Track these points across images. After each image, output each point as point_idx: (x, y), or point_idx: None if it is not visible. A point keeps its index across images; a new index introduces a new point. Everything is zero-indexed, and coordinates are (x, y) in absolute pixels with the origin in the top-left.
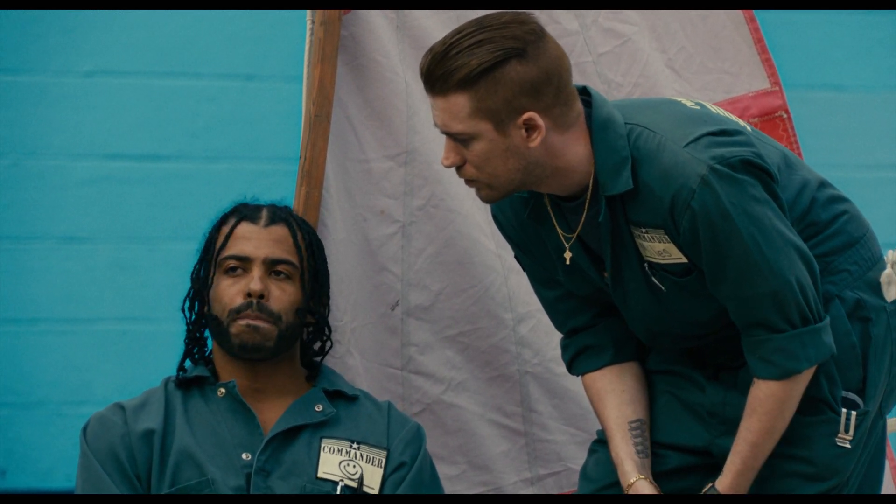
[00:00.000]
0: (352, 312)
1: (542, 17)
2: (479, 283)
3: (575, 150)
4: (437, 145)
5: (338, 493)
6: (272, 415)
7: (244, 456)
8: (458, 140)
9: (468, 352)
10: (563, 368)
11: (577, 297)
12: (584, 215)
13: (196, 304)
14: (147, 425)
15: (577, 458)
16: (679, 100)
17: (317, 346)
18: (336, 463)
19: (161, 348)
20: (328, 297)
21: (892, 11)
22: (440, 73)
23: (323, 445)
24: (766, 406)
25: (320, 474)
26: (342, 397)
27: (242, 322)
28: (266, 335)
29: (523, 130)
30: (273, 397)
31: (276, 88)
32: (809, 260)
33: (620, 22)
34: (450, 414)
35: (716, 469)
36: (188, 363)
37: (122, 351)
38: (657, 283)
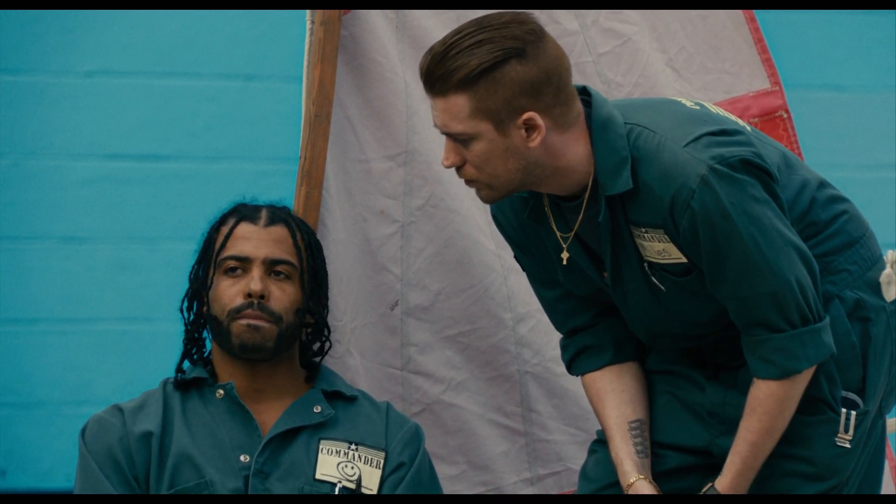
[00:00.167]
0: (352, 312)
1: (542, 17)
2: (478, 283)
3: (575, 149)
4: (436, 145)
5: (335, 494)
6: (270, 416)
7: (242, 458)
8: (458, 140)
9: (468, 352)
10: (562, 368)
11: (577, 298)
12: (581, 215)
13: (195, 304)
14: (145, 427)
15: (577, 458)
16: (679, 100)
17: (316, 346)
18: (334, 464)
19: (161, 348)
20: (327, 298)
21: (892, 11)
22: (440, 73)
23: (321, 447)
24: (766, 406)
25: (318, 476)
26: (341, 398)
27: (243, 322)
28: (266, 335)
29: (523, 130)
30: (272, 398)
31: (276, 88)
32: (809, 260)
33: (620, 22)
34: (449, 414)
35: (716, 469)
36: (187, 364)
37: (121, 351)
38: (657, 282)
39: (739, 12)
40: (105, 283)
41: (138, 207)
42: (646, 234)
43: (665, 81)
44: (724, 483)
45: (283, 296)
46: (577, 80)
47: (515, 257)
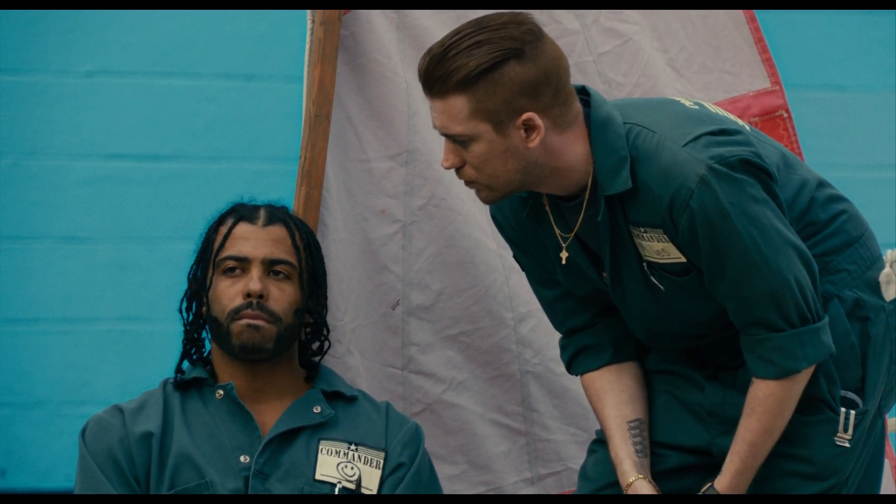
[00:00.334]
0: (352, 312)
1: (542, 16)
2: (479, 283)
3: (574, 149)
4: (437, 145)
5: (336, 494)
6: (270, 416)
7: (242, 458)
8: (458, 141)
9: (469, 351)
10: (563, 368)
11: (576, 297)
12: (581, 215)
13: (194, 304)
14: (146, 428)
15: (578, 457)
16: (678, 99)
17: (315, 346)
18: (334, 465)
19: (161, 348)
20: (326, 297)
21: (892, 11)
22: (438, 74)
23: (321, 447)
24: (765, 405)
25: (318, 476)
26: (340, 398)
27: (242, 322)
28: (266, 336)
29: (522, 131)
30: (272, 398)
31: (276, 88)
32: (808, 259)
33: (621, 21)
34: (450, 414)
35: (715, 469)
36: (186, 364)
37: (121, 351)
38: (656, 282)
39: (740, 12)
40: (105, 282)
41: (138, 207)
42: (645, 234)
43: (666, 81)
44: (723, 483)
45: (282, 296)
46: (578, 79)
47: (515, 257)
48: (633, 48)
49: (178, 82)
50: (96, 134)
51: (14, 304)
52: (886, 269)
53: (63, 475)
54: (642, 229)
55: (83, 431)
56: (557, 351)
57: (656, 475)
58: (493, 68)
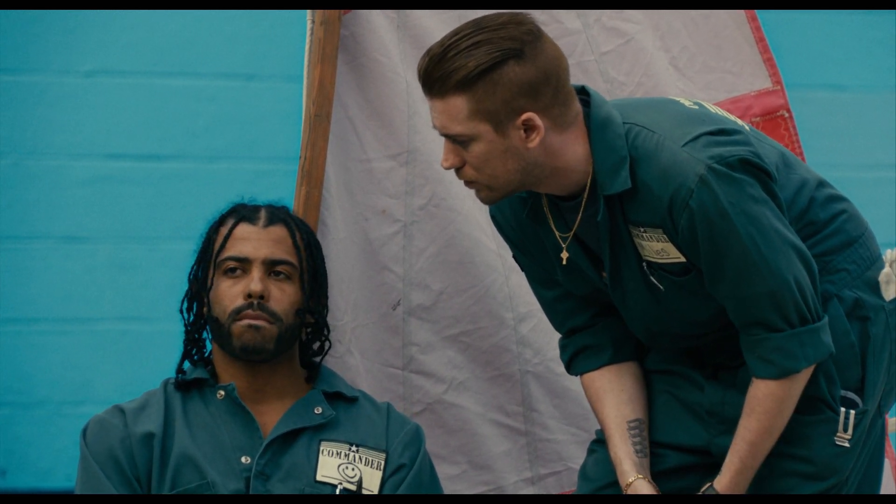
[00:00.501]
0: (352, 312)
1: (544, 16)
2: (480, 283)
3: (574, 149)
4: (437, 145)
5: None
6: (271, 417)
7: (243, 459)
8: (457, 142)
9: (469, 351)
10: (563, 368)
11: (576, 297)
12: (580, 214)
13: (195, 304)
14: (147, 428)
15: (578, 457)
16: (677, 99)
17: (316, 346)
18: (335, 466)
19: (161, 348)
20: (327, 298)
21: (893, 11)
22: (438, 75)
23: (322, 448)
24: (765, 405)
25: (319, 478)
26: (341, 399)
27: (243, 322)
28: (267, 336)
29: (522, 131)
30: (272, 399)
31: (276, 88)
32: (808, 259)
33: (623, 21)
34: (451, 414)
35: (715, 468)
36: (187, 364)
37: (121, 351)
38: (656, 282)
39: (741, 12)
40: (105, 282)
41: (138, 207)
42: (644, 234)
43: (668, 80)
44: (722, 482)
45: (282, 296)
46: (580, 79)
47: (514, 257)
48: (634, 48)
49: (178, 82)
50: (96, 134)
51: (14, 304)
52: (886, 269)
53: (63, 475)
54: (642, 229)
55: (84, 431)
56: (557, 351)
57: (656, 475)
58: (493, 68)
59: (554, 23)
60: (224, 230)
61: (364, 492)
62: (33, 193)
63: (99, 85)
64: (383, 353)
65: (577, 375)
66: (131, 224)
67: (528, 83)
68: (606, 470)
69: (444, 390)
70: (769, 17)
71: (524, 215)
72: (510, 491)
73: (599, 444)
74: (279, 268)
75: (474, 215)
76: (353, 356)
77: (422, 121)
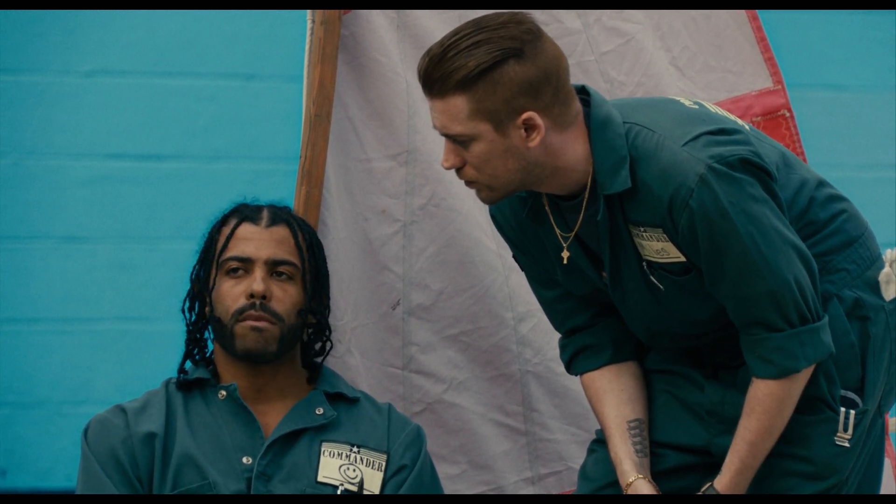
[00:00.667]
0: (352, 312)
1: (544, 16)
2: (480, 283)
3: (574, 149)
4: (437, 145)
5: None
6: (273, 418)
7: (245, 460)
8: (458, 142)
9: (469, 351)
10: (563, 368)
11: (576, 297)
12: (581, 214)
13: (196, 304)
14: (149, 428)
15: (578, 457)
16: (678, 99)
17: (317, 346)
18: (336, 467)
19: (161, 348)
20: (329, 298)
21: (893, 11)
22: (438, 75)
23: (323, 449)
24: (765, 405)
25: (320, 478)
26: (343, 399)
27: (246, 324)
28: (269, 339)
29: (522, 130)
30: (274, 399)
31: (276, 88)
32: (808, 259)
33: (623, 20)
34: (451, 413)
35: (715, 468)
36: (189, 364)
37: (122, 350)
38: (656, 282)
39: (742, 11)
40: (105, 282)
41: (138, 207)
42: (644, 234)
43: (668, 80)
44: (723, 482)
45: (285, 296)
46: (581, 79)
47: (514, 257)
48: (635, 47)
49: (178, 82)
50: (96, 134)
51: (14, 304)
52: (886, 269)
53: (63, 475)
54: (642, 229)
55: (85, 431)
56: (557, 351)
57: (656, 475)
58: (493, 68)
59: (554, 22)
60: (226, 230)
61: (365, 493)
62: (33, 193)
63: (99, 85)
64: (383, 352)
65: (576, 375)
66: (131, 224)
67: (528, 82)
68: (606, 470)
69: (444, 390)
70: (770, 17)
71: (524, 215)
72: (510, 491)
73: (599, 443)
74: (281, 268)
75: (474, 215)
76: (354, 356)
77: (422, 121)
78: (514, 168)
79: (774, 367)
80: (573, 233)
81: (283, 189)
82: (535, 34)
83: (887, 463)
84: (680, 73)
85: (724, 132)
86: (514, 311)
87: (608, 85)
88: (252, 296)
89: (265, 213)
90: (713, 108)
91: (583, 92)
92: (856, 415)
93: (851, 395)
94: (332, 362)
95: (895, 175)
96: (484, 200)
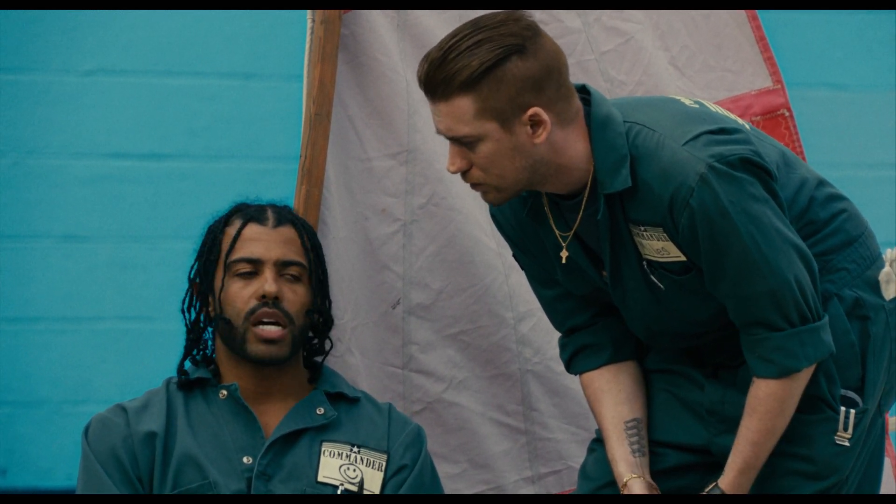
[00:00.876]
0: (352, 311)
1: (544, 15)
2: (479, 282)
3: (576, 147)
4: (437, 144)
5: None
6: (273, 417)
7: (245, 459)
8: (464, 144)
9: (469, 350)
10: (563, 367)
11: (576, 297)
12: (580, 213)
13: (198, 304)
14: (149, 427)
15: (578, 456)
16: (678, 98)
17: (321, 346)
18: (336, 467)
19: (162, 347)
20: (330, 298)
21: (893, 10)
22: (441, 77)
23: (323, 449)
24: (767, 405)
25: (320, 478)
26: (343, 399)
27: (260, 332)
28: (282, 345)
29: (528, 127)
30: (275, 399)
31: (276, 87)
32: (808, 258)
33: (623, 20)
34: (451, 412)
35: (715, 467)
36: (188, 364)
37: (122, 350)
38: (656, 281)
39: (741, 11)
40: (106, 281)
41: (139, 206)
42: (645, 233)
43: (668, 80)
44: (726, 482)
45: (295, 297)
46: (580, 78)
47: (514, 256)
48: (634, 47)
49: (178, 81)
50: (97, 133)
51: (14, 304)
52: (886, 268)
53: (63, 474)
54: (642, 228)
55: (86, 430)
56: (557, 350)
57: (656, 474)
58: (497, 65)
59: (554, 22)
60: (231, 231)
61: (365, 493)
62: (34, 193)
63: (99, 84)
64: (383, 352)
65: (576, 375)
66: (132, 223)
67: (532, 78)
68: (606, 469)
69: (444, 389)
70: (769, 17)
71: (524, 214)
72: (510, 490)
73: (599, 442)
74: (291, 269)
75: (474, 214)
76: (354, 355)
77: (422, 120)
78: (521, 167)
79: (775, 367)
80: (572, 232)
81: (284, 188)
82: (534, 30)
83: (887, 462)
84: (679, 73)
85: (725, 131)
86: (514, 310)
87: (608, 84)
88: (264, 296)
89: (270, 214)
90: (714, 108)
91: (583, 91)
92: (856, 414)
93: (852, 394)
94: (332, 361)
95: (895, 174)
96: (491, 202)
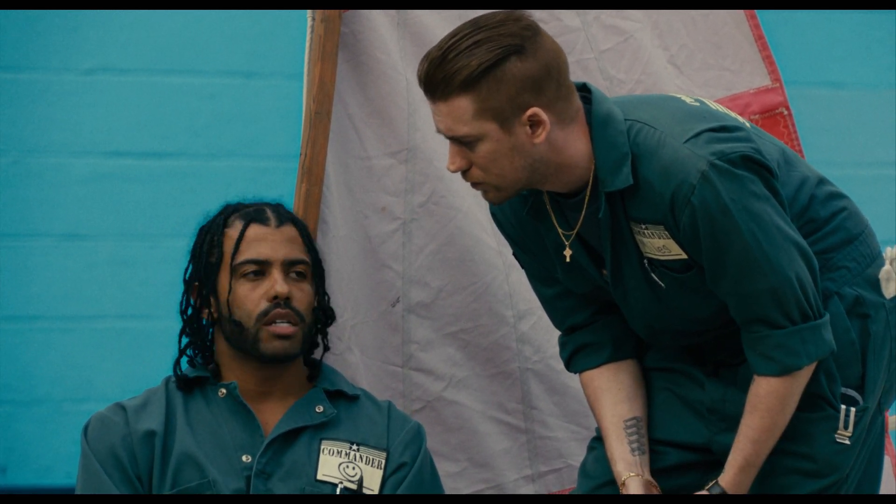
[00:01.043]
0: (352, 309)
1: (543, 14)
2: (479, 280)
3: (576, 145)
4: (437, 143)
5: (337, 494)
6: (273, 416)
7: (244, 458)
8: (464, 143)
9: (469, 349)
10: (563, 365)
11: (576, 295)
12: (583, 212)
13: (197, 306)
14: (148, 426)
15: (578, 454)
16: (679, 96)
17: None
18: (335, 465)
19: (162, 345)
20: (327, 295)
21: (893, 10)
22: (441, 77)
23: (322, 447)
24: (767, 403)
25: (320, 476)
26: (342, 397)
27: (273, 330)
28: (295, 342)
29: (528, 127)
30: (275, 397)
31: (276, 86)
32: (809, 256)
33: (622, 19)
34: (450, 411)
35: (715, 465)
36: (186, 364)
37: (122, 348)
38: (657, 279)
39: (740, 9)
40: (106, 280)
41: (139, 205)
42: (646, 231)
43: (666, 78)
44: (726, 480)
45: (303, 296)
46: (580, 76)
47: (514, 255)
48: (634, 45)
49: (178, 80)
50: (97, 131)
51: (15, 302)
52: (886, 267)
53: (63, 473)
54: (643, 226)
55: (85, 429)
56: (557, 348)
57: (656, 472)
58: (496, 66)
59: (553, 20)
60: (233, 232)
61: (365, 491)
62: (34, 191)
63: (99, 83)
64: (383, 350)
65: (576, 373)
66: (132, 221)
67: (531, 78)
68: (606, 467)
69: (444, 387)
70: (769, 15)
71: (525, 213)
72: (510, 488)
73: (599, 441)
74: (297, 267)
75: (474, 213)
76: (353, 353)
77: (422, 118)
78: (520, 166)
79: (776, 365)
80: (575, 231)
81: (284, 187)
82: (534, 30)
83: (887, 461)
84: (678, 71)
85: (726, 129)
86: (515, 308)
87: (607, 83)
88: (276, 298)
89: (271, 213)
90: (714, 106)
91: (584, 89)
92: (856, 412)
93: (852, 392)
94: (331, 360)
95: (895, 172)
96: (491, 201)
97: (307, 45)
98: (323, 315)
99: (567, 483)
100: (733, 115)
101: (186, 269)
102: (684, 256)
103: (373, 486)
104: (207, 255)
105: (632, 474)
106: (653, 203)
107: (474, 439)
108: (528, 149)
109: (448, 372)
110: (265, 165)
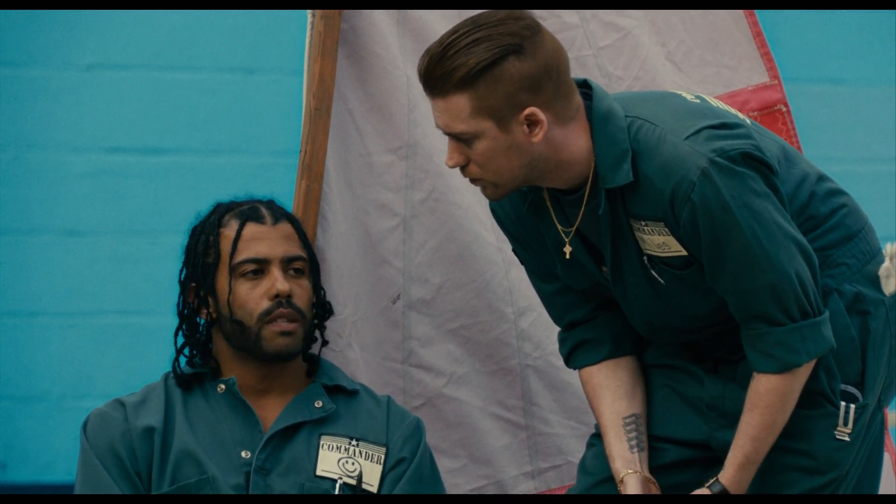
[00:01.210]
0: (352, 306)
1: (542, 11)
2: (479, 277)
3: (576, 143)
4: (438, 139)
5: (336, 491)
6: (272, 411)
7: (243, 454)
8: (461, 140)
9: (469, 345)
10: (563, 362)
11: (576, 291)
12: (583, 209)
13: (196, 304)
14: (148, 422)
15: (578, 451)
16: (679, 93)
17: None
18: (335, 460)
19: (162, 342)
20: (323, 290)
21: (892, 10)
22: (439, 74)
23: (322, 442)
24: (767, 400)
25: (319, 472)
26: (342, 392)
27: (276, 328)
28: (297, 338)
29: (525, 126)
30: (274, 393)
31: (276, 82)
32: (809, 253)
33: (620, 15)
34: (451, 407)
35: (715, 462)
36: (184, 363)
37: (122, 344)
38: (656, 276)
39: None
40: (106, 276)
41: (139, 201)
42: (646, 228)
43: (665, 75)
44: (726, 476)
45: (302, 292)
46: (578, 73)
47: (514, 251)
48: (632, 42)
49: (178, 76)
50: (97, 127)
51: (15, 298)
52: (886, 264)
53: (63, 469)
54: (643, 223)
55: (85, 425)
56: (557, 345)
57: (656, 469)
58: (493, 65)
59: (552, 17)
60: (229, 232)
61: (364, 486)
62: (34, 187)
63: (99, 79)
64: (383, 346)
65: (575, 369)
66: (132, 217)
67: (529, 78)
68: (605, 464)
69: (444, 384)
70: (767, 12)
71: (524, 209)
72: (510, 484)
73: (598, 437)
74: (295, 264)
75: (474, 209)
76: (353, 350)
77: (422, 115)
78: (518, 164)
79: (776, 362)
80: (574, 227)
81: (284, 183)
82: (534, 29)
83: (887, 457)
84: (676, 68)
85: (726, 126)
86: (515, 305)
87: (605, 79)
88: (277, 296)
89: (265, 211)
90: (715, 102)
91: (584, 86)
92: (856, 409)
93: (851, 389)
94: (331, 356)
95: (894, 169)
96: (490, 197)
97: (307, 41)
98: (321, 310)
99: (567, 479)
100: (734, 111)
101: (181, 270)
102: (684, 253)
103: (372, 481)
104: (203, 256)
105: (630, 471)
106: (653, 200)
107: (474, 436)
108: (526, 147)
109: (448, 368)
110: (265, 162)
